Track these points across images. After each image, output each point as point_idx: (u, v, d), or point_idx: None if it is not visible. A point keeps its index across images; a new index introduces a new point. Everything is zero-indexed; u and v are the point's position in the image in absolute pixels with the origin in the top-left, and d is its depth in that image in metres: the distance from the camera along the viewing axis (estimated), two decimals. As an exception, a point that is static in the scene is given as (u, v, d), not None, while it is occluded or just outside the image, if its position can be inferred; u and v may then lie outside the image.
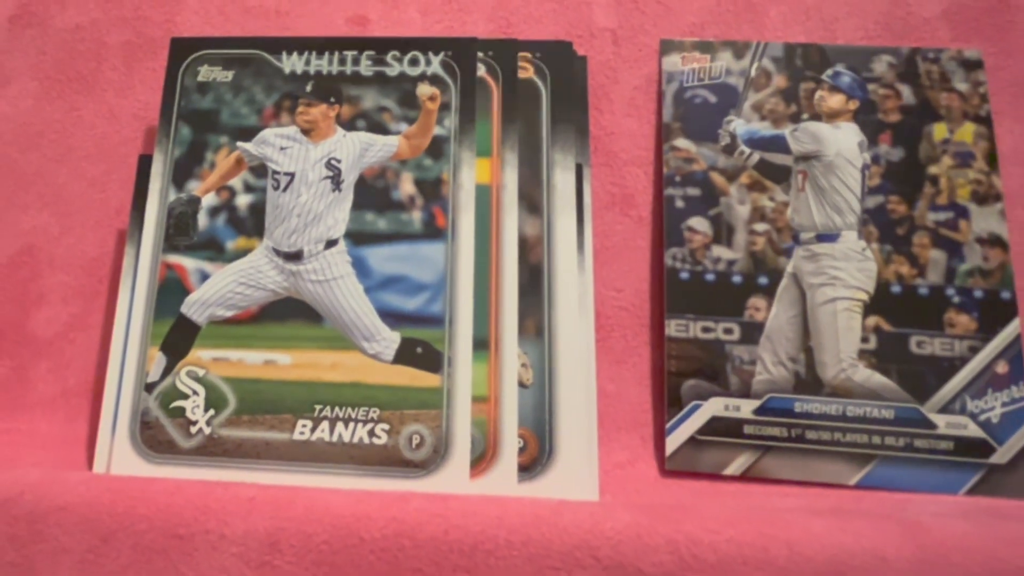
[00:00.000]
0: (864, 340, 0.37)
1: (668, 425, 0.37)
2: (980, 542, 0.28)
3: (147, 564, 0.29)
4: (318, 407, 0.35)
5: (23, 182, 0.42)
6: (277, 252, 0.37)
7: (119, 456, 0.34)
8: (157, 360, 0.36)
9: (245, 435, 0.35)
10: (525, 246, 0.37)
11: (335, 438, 0.35)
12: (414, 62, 0.40)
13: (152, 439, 0.35)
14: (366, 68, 0.40)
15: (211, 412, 0.35)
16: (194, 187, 0.38)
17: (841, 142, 0.40)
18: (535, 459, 0.34)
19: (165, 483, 0.31)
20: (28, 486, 0.30)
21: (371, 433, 0.35)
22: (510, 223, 0.37)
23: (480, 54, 0.40)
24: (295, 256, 0.37)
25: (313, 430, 0.35)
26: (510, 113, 0.39)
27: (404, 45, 0.40)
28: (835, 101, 0.41)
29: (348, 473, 0.34)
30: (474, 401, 0.36)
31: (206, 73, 0.40)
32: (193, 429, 0.35)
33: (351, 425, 0.35)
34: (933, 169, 0.39)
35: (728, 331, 0.38)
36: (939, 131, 0.40)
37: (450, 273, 0.37)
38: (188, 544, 0.29)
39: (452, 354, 0.36)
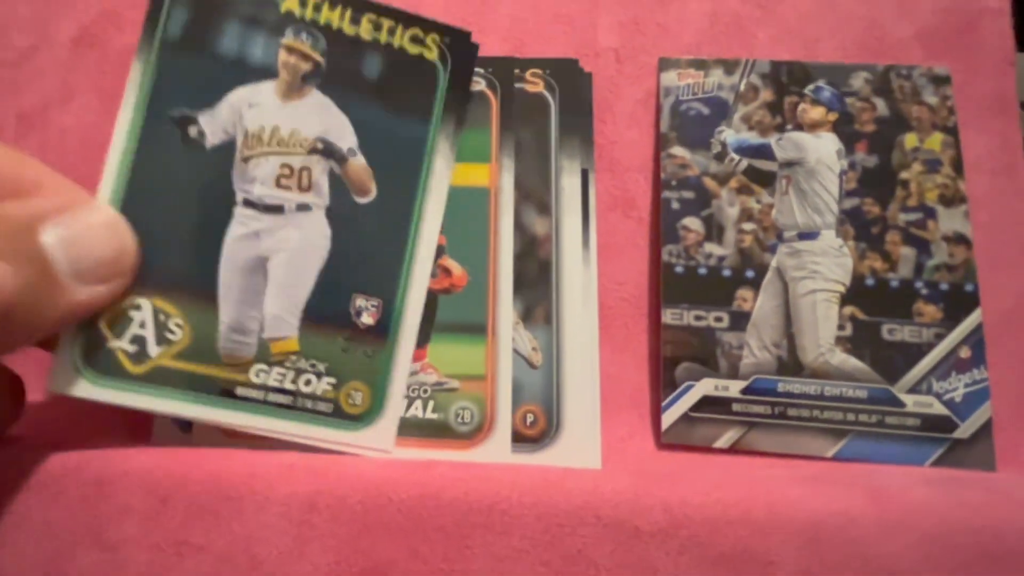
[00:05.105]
0: (840, 328, 0.38)
1: (664, 403, 0.38)
2: (938, 506, 0.29)
3: (201, 522, 0.29)
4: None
5: (86, 189, 0.43)
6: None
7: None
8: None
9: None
10: (535, 243, 0.38)
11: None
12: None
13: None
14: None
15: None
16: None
17: (821, 150, 0.41)
18: (544, 432, 0.36)
19: (215, 452, 0.32)
20: (95, 454, 0.31)
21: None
22: (506, 222, 0.38)
23: (480, 70, 0.40)
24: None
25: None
26: (508, 123, 0.40)
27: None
28: (816, 113, 0.41)
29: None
30: (473, 380, 0.36)
31: None
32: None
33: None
34: (904, 174, 0.40)
35: (718, 319, 0.39)
36: (910, 140, 0.41)
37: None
38: (237, 505, 0.29)
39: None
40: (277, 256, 0.35)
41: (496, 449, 0.35)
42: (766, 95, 0.42)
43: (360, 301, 0.35)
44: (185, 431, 0.36)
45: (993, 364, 0.38)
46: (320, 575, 0.29)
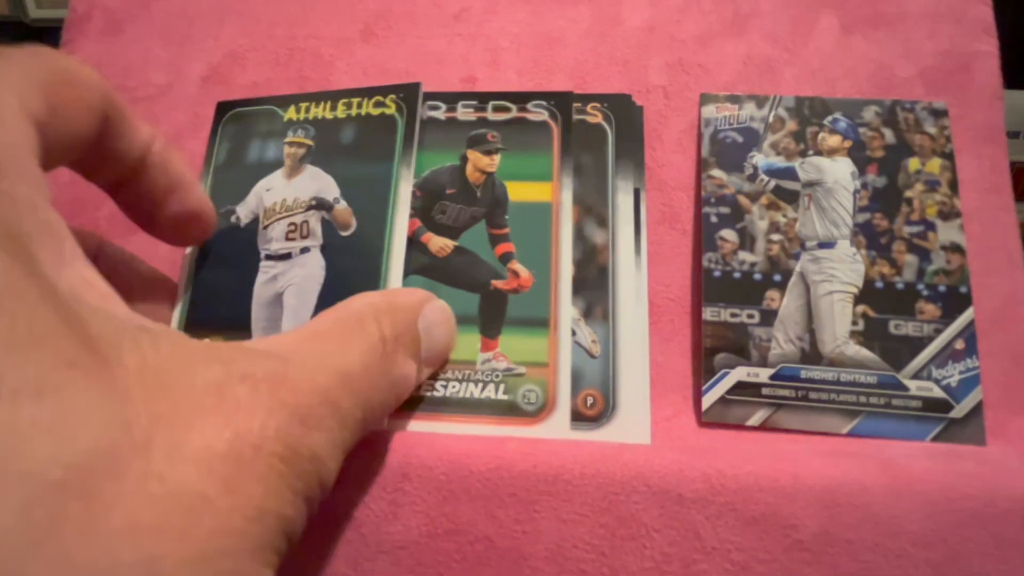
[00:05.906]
0: (854, 323, 0.41)
1: (704, 388, 0.41)
2: (939, 474, 0.32)
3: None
4: None
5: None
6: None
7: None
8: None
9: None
10: (595, 252, 0.42)
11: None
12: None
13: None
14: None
15: None
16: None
17: (838, 172, 0.43)
18: (602, 412, 0.38)
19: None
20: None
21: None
22: (566, 232, 0.41)
23: (543, 103, 0.44)
24: None
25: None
26: (566, 148, 0.43)
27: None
28: (834, 141, 0.44)
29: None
30: (537, 366, 0.39)
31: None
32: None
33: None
34: (908, 193, 0.43)
35: (751, 316, 0.42)
36: (913, 164, 0.43)
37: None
38: (340, 475, 0.30)
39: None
40: (288, 290, 0.41)
41: (557, 425, 0.38)
42: (791, 125, 0.45)
43: None
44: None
45: (983, 354, 0.41)
46: (412, 535, 0.32)
